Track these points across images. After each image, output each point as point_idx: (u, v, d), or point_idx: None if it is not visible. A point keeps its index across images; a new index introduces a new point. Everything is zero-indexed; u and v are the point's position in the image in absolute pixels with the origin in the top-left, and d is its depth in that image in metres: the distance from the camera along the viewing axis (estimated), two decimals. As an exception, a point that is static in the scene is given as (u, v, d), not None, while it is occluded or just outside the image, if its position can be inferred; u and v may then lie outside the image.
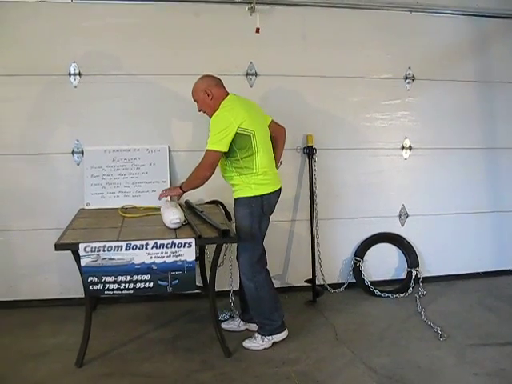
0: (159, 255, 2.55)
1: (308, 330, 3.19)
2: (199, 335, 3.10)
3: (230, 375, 2.67)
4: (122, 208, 3.30)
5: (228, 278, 3.53)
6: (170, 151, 3.52)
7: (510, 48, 3.96)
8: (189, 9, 3.44)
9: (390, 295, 3.74)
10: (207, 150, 2.77)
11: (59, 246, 2.54)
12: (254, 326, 3.08)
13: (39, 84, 3.34)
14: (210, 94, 2.85)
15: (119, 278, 2.54)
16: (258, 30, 3.32)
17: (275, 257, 3.64)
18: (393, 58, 3.77)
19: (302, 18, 3.59)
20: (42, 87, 3.36)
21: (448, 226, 4.00)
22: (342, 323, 3.30)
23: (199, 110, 2.95)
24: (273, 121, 3.06)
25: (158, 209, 2.96)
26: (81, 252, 2.48)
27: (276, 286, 3.13)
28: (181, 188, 2.94)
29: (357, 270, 3.83)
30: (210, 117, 2.83)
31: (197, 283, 2.88)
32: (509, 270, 4.18)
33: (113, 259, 2.51)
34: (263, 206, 2.86)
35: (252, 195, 2.84)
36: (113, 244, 2.51)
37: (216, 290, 2.88)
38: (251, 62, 3.57)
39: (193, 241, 2.57)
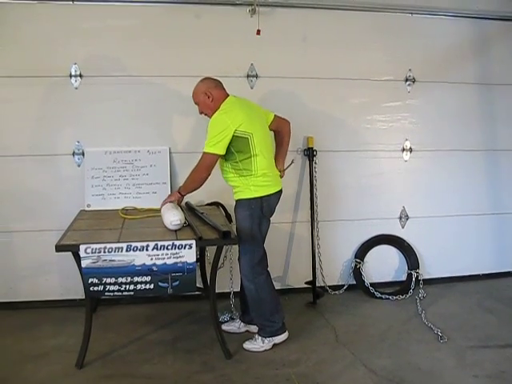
0: (160, 257, 2.55)
1: (308, 332, 3.19)
2: (199, 337, 3.10)
3: (230, 377, 2.67)
4: (123, 209, 3.30)
5: (228, 280, 3.52)
6: (170, 153, 3.52)
7: (511, 50, 3.96)
8: (190, 10, 3.45)
9: (390, 297, 3.74)
10: (204, 153, 2.78)
11: (60, 248, 2.54)
12: (254, 328, 3.08)
13: (40, 85, 3.34)
14: (210, 96, 2.85)
15: (120, 280, 2.54)
16: (258, 32, 3.31)
17: (276, 258, 3.64)
18: (393, 59, 3.77)
19: (303, 19, 3.60)
20: (43, 89, 3.36)
21: (448, 228, 4.00)
22: (342, 325, 3.30)
23: (200, 113, 2.96)
24: (276, 116, 3.06)
25: (159, 210, 2.96)
26: (81, 253, 2.48)
27: (276, 288, 3.13)
28: (179, 192, 2.95)
29: (357, 272, 3.83)
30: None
31: (197, 285, 2.89)
32: (509, 271, 4.18)
33: (113, 260, 2.51)
34: (263, 207, 2.86)
35: (251, 197, 2.84)
36: (113, 245, 2.51)
37: (216, 291, 2.88)
38: (252, 64, 3.58)
39: (193, 242, 2.57)
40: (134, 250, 2.52)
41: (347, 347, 2.99)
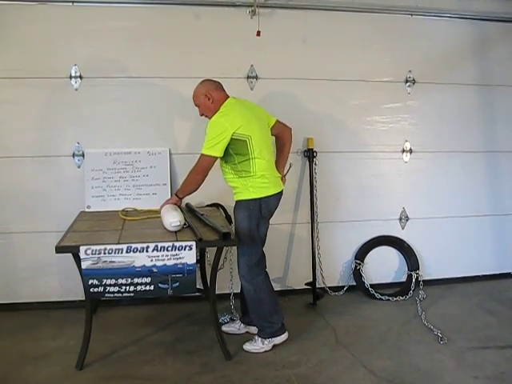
0: (160, 258, 2.55)
1: (308, 333, 3.18)
2: (199, 338, 3.10)
3: (230, 378, 2.67)
4: (123, 211, 3.30)
5: (228, 281, 3.53)
6: (170, 154, 3.52)
7: (511, 51, 3.96)
8: (190, 11, 3.45)
9: (390, 298, 3.74)
10: (201, 155, 2.79)
11: (60, 249, 2.54)
12: (254, 329, 3.08)
13: (40, 87, 3.34)
14: (210, 98, 2.86)
15: (120, 281, 2.54)
16: (258, 33, 3.32)
17: (276, 260, 3.65)
18: (393, 61, 3.78)
19: (303, 21, 3.60)
20: (43, 90, 3.36)
21: (448, 229, 4.00)
22: (342, 326, 3.30)
23: (201, 115, 2.96)
24: (278, 121, 3.06)
25: (159, 212, 2.96)
26: (81, 255, 2.48)
27: (276, 289, 3.13)
28: (177, 195, 2.96)
29: (357, 273, 3.83)
30: (211, 120, 2.85)
31: (197, 286, 2.88)
32: (509, 273, 4.18)
33: (113, 262, 2.51)
34: (261, 208, 2.86)
35: (250, 198, 2.85)
36: (113, 247, 2.51)
37: (216, 292, 2.88)
38: (252, 65, 3.58)
39: (193, 243, 2.57)
40: (134, 251, 2.52)
41: (347, 348, 2.99)
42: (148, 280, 2.57)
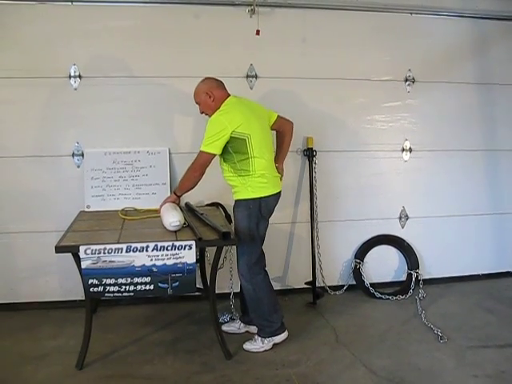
0: (159, 257, 2.55)
1: (308, 332, 3.19)
2: (199, 337, 3.10)
3: (230, 377, 2.67)
4: (123, 210, 3.30)
5: (228, 280, 3.52)
6: (170, 153, 3.52)
7: (510, 50, 3.96)
8: (189, 11, 3.45)
9: (390, 297, 3.74)
10: (200, 151, 2.80)
11: (60, 249, 2.54)
12: (254, 328, 3.08)
13: (39, 86, 3.34)
14: (211, 96, 2.86)
15: (119, 281, 2.54)
16: (258, 32, 3.31)
17: (275, 259, 3.65)
18: (393, 60, 3.77)
19: (302, 20, 3.60)
20: (43, 89, 3.36)
21: (448, 228, 4.00)
22: (342, 325, 3.30)
23: (201, 113, 2.96)
24: (279, 116, 3.06)
25: (158, 211, 2.96)
26: (81, 254, 2.48)
27: (276, 288, 3.13)
28: (175, 193, 2.97)
29: (357, 272, 3.83)
30: (212, 118, 2.85)
31: (197, 285, 2.88)
32: (509, 272, 4.18)
33: (113, 261, 2.51)
34: (261, 208, 2.86)
35: (250, 197, 2.85)
36: (113, 246, 2.51)
37: (216, 292, 2.88)
38: (251, 64, 3.58)
39: (193, 243, 2.57)
40: (133, 250, 2.52)
41: (347, 347, 3.00)
42: (148, 279, 2.57)
